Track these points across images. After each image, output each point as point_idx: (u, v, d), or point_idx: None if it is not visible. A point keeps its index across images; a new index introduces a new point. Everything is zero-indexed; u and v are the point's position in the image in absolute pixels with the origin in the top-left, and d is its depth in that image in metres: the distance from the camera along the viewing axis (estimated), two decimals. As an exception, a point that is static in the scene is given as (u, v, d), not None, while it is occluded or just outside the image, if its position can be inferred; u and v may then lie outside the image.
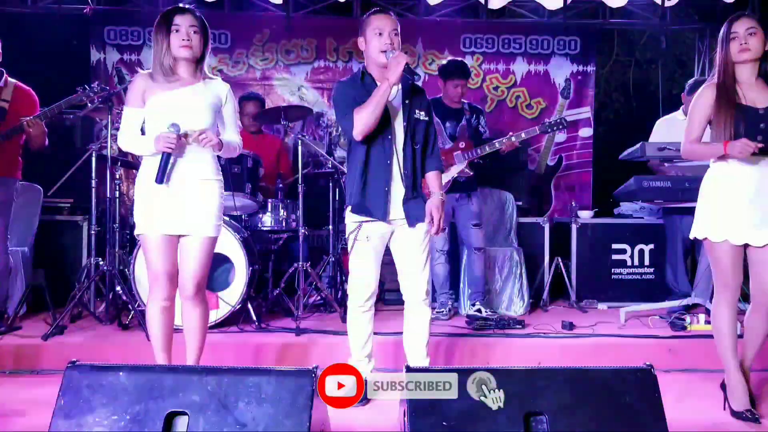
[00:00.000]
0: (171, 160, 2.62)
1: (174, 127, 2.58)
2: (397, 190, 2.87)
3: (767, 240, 2.68)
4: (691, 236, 2.85)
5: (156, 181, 2.60)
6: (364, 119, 2.75)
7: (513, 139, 4.16)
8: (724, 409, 2.84)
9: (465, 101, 4.44)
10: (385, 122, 2.83)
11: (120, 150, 3.39)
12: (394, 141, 2.85)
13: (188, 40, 2.66)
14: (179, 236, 2.72)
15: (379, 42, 2.80)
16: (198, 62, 2.75)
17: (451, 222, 4.42)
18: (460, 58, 4.83)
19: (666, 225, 4.65)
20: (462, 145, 4.21)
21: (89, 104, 3.73)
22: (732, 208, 2.71)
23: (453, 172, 4.20)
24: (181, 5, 2.74)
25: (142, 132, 2.72)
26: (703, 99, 2.76)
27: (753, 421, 2.70)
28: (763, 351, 2.89)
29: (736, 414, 2.77)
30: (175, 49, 2.66)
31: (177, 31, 2.66)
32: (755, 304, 2.79)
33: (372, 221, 2.86)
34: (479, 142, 4.23)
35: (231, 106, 2.84)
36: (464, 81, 4.34)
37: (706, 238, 2.77)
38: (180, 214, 2.67)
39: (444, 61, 4.90)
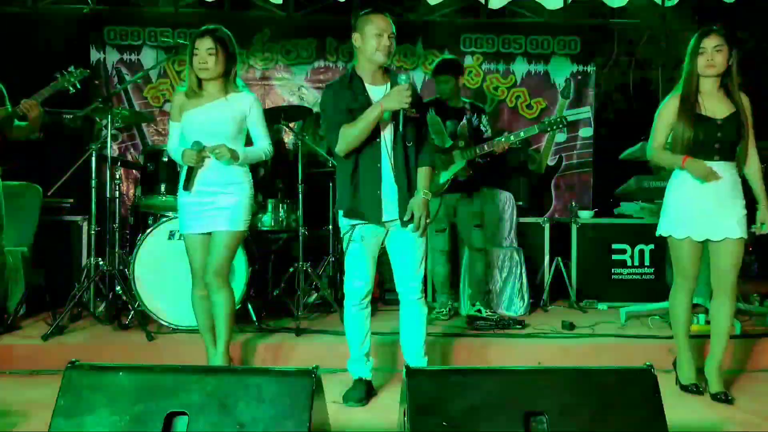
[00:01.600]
0: (195, 172, 3.03)
1: (195, 145, 2.98)
2: (390, 190, 2.86)
3: (724, 235, 2.96)
4: (657, 234, 3.13)
5: (182, 188, 3.06)
6: (349, 139, 2.80)
7: (512, 138, 4.15)
8: (676, 383, 3.14)
9: (466, 100, 4.44)
10: (375, 126, 2.81)
11: (120, 150, 3.52)
12: (383, 142, 2.85)
13: (205, 63, 3.00)
14: (210, 234, 3.07)
15: (377, 43, 2.79)
16: (224, 78, 3.07)
17: (452, 222, 4.41)
18: (451, 56, 4.80)
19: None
20: (461, 144, 4.20)
21: (71, 88, 3.73)
22: (693, 209, 2.98)
23: (452, 171, 4.19)
24: (205, 27, 3.05)
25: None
26: (668, 108, 3.04)
27: (697, 393, 3.05)
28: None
29: (683, 387, 3.11)
30: (196, 71, 3.03)
31: (196, 54, 3.01)
32: (717, 290, 3.05)
33: (366, 223, 2.87)
34: (480, 142, 4.23)
35: (255, 116, 3.13)
36: (454, 77, 4.30)
37: (670, 236, 3.06)
38: (210, 215, 3.03)
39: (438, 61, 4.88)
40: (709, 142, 2.94)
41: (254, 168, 4.15)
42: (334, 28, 5.94)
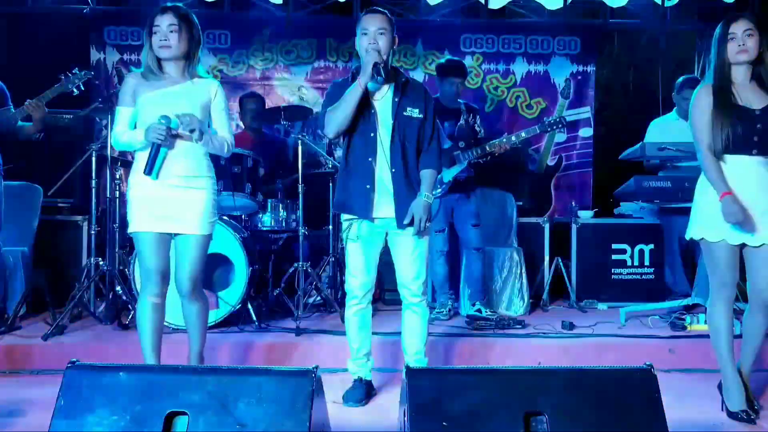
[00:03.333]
0: (162, 153, 2.68)
1: (164, 119, 2.64)
2: (385, 188, 2.86)
3: (763, 240, 2.69)
4: (687, 237, 2.86)
5: (144, 171, 2.66)
6: (333, 118, 2.82)
7: (513, 138, 4.17)
8: (722, 410, 2.84)
9: (462, 100, 4.45)
10: (368, 119, 2.84)
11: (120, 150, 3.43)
12: (379, 139, 2.84)
13: (166, 40, 2.71)
14: (172, 234, 2.78)
15: (363, 41, 2.83)
16: (186, 60, 2.79)
17: (450, 222, 4.41)
18: (458, 58, 4.82)
19: (663, 225, 4.66)
20: (462, 144, 4.21)
21: (75, 90, 3.72)
22: None
23: (454, 171, 4.20)
24: (165, 5, 2.76)
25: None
26: (702, 102, 2.76)
27: (748, 421, 2.72)
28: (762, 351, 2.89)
29: (732, 414, 2.78)
30: (156, 50, 2.73)
31: (156, 32, 2.72)
32: (753, 305, 2.79)
33: (359, 219, 2.87)
34: (475, 142, 4.23)
35: (220, 103, 2.86)
36: (460, 80, 4.33)
37: (702, 239, 2.78)
38: (173, 212, 2.72)
39: (443, 61, 4.90)
40: (748, 135, 2.67)
41: (254, 168, 4.18)
42: (334, 28, 5.94)
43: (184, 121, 2.66)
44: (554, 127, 4.24)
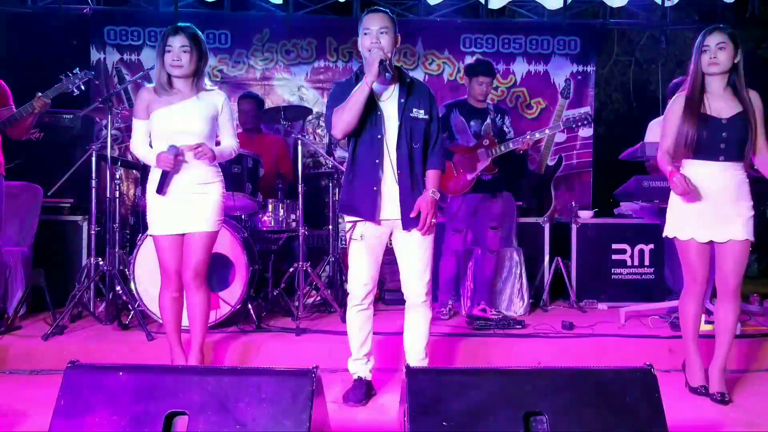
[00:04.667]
0: (169, 176, 2.97)
1: (172, 150, 2.91)
2: (391, 189, 2.85)
3: (728, 237, 2.92)
4: (663, 235, 3.12)
5: (156, 191, 2.98)
6: (340, 119, 2.81)
7: (537, 135, 4.16)
8: (685, 386, 3.11)
9: (490, 101, 4.45)
10: (375, 121, 2.84)
11: (120, 150, 3.54)
12: (385, 140, 2.84)
13: (178, 60, 2.95)
14: (184, 235, 3.03)
15: (366, 41, 2.82)
16: (195, 76, 3.02)
17: (471, 222, 4.38)
18: (486, 59, 4.74)
19: (661, 225, 4.65)
20: (486, 142, 4.20)
21: (75, 90, 3.72)
22: (697, 209, 2.94)
23: (478, 169, 4.19)
24: (177, 25, 2.99)
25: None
26: (675, 108, 2.99)
27: (706, 395, 3.00)
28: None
29: (693, 389, 3.07)
30: (168, 68, 2.97)
31: (169, 51, 2.95)
32: (721, 294, 3.02)
33: (364, 221, 2.87)
34: (503, 141, 4.23)
35: (226, 114, 3.12)
36: (489, 79, 4.30)
37: (675, 237, 3.04)
38: (184, 216, 3.00)
39: (472, 61, 4.83)
40: (713, 142, 2.89)
41: (254, 168, 4.18)
42: (334, 28, 5.94)
43: (199, 152, 2.92)
44: (579, 124, 4.21)
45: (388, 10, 2.89)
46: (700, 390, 3.04)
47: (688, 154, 2.93)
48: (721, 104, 2.93)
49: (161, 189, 2.97)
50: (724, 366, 3.04)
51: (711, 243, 2.98)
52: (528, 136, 4.14)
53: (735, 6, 5.37)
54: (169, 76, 2.98)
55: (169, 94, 2.98)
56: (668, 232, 3.08)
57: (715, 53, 2.89)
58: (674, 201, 3.05)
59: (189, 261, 3.02)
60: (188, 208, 2.99)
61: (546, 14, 5.82)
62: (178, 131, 2.96)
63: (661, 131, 3.05)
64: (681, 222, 3.00)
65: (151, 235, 3.11)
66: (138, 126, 3.04)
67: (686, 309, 3.08)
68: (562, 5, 5.50)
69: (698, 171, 2.94)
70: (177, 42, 2.93)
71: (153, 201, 3.03)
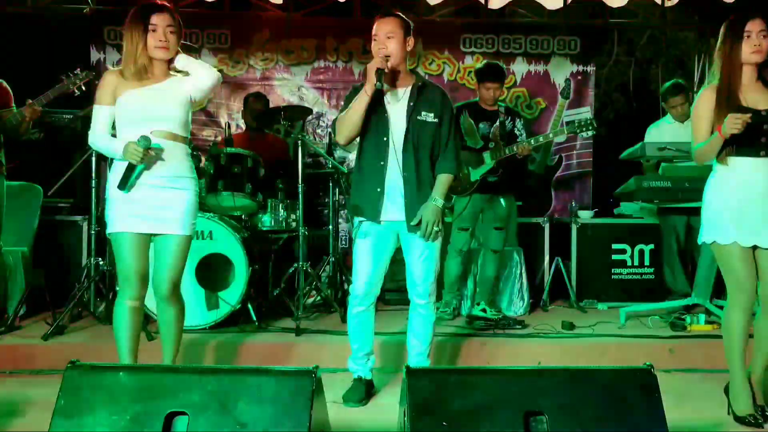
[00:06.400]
0: (137, 170, 2.58)
1: (143, 141, 2.54)
2: (396, 192, 2.86)
3: None
4: (699, 241, 2.81)
5: (118, 186, 2.59)
6: (342, 126, 2.85)
7: (541, 139, 4.18)
8: (728, 413, 2.79)
9: (502, 104, 4.44)
10: (381, 124, 2.84)
11: None
12: (391, 143, 2.84)
13: (165, 41, 2.62)
14: (151, 235, 2.68)
15: (373, 46, 2.84)
16: (170, 60, 2.70)
17: (477, 221, 4.39)
18: (496, 62, 4.73)
19: (661, 225, 4.66)
20: (492, 145, 4.21)
21: (76, 91, 3.71)
22: (739, 210, 2.65)
23: (480, 171, 4.20)
24: (158, 2, 2.67)
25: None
26: (706, 103, 2.70)
27: (756, 425, 2.67)
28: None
29: (739, 419, 2.73)
30: (151, 50, 2.62)
31: (154, 30, 2.60)
32: (765, 307, 2.72)
33: (369, 221, 2.88)
34: (511, 144, 4.22)
35: (193, 78, 2.73)
36: (497, 84, 4.28)
37: (714, 242, 2.71)
38: (154, 213, 2.62)
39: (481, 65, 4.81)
40: (754, 136, 2.61)
41: (254, 168, 4.18)
42: (334, 28, 5.93)
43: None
44: (583, 129, 4.21)
45: (398, 15, 2.87)
46: (748, 420, 2.69)
47: (729, 151, 2.65)
48: (755, 96, 2.68)
49: (124, 185, 2.57)
50: (759, 381, 2.78)
51: (754, 248, 2.67)
52: (533, 141, 4.17)
53: (735, 6, 5.35)
54: (149, 59, 2.63)
55: (140, 78, 2.62)
56: (706, 237, 2.73)
57: (759, 41, 2.62)
58: (710, 201, 2.73)
59: (165, 271, 2.67)
60: (159, 204, 2.62)
61: (546, 14, 5.81)
62: (152, 118, 2.62)
63: (694, 130, 2.75)
64: (720, 224, 2.68)
65: (111, 234, 2.66)
66: (100, 112, 2.65)
67: (732, 323, 2.71)
68: (562, 5, 5.50)
69: (738, 169, 2.66)
70: (163, 21, 2.60)
71: (115, 195, 2.63)
